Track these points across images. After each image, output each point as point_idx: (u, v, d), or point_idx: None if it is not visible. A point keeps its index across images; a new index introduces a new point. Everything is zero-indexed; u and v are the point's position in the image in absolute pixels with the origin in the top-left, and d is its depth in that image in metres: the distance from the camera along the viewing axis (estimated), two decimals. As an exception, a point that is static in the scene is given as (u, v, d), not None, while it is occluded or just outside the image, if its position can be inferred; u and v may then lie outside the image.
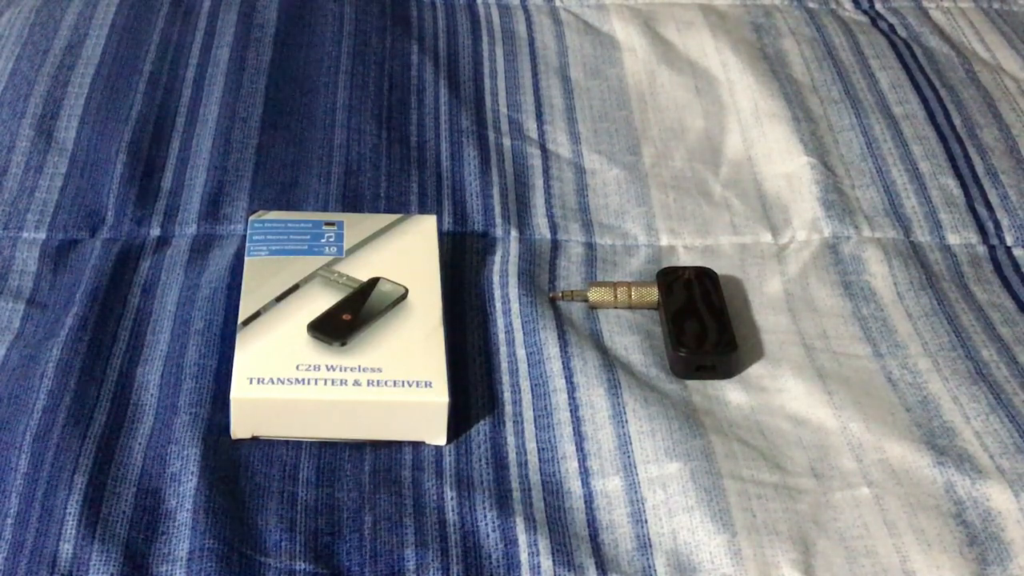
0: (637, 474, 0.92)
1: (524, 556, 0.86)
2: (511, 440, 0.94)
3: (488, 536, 0.87)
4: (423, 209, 1.14)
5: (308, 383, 0.92)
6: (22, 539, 0.85)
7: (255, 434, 0.93)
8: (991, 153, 1.23)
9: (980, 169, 1.21)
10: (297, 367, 0.93)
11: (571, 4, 1.42)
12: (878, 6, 1.44)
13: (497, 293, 1.06)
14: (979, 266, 1.11)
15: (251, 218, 1.07)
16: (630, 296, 1.05)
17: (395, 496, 0.90)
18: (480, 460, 0.93)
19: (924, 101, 1.29)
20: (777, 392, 0.99)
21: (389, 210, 1.14)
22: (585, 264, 1.10)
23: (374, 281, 1.01)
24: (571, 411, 0.96)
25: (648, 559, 0.86)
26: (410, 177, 1.18)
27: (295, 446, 0.93)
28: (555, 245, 1.12)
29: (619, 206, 1.16)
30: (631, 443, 0.93)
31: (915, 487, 0.91)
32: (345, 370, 0.93)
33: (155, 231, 1.11)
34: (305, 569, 0.85)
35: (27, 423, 0.92)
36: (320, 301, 0.99)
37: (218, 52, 1.31)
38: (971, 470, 0.92)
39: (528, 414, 0.96)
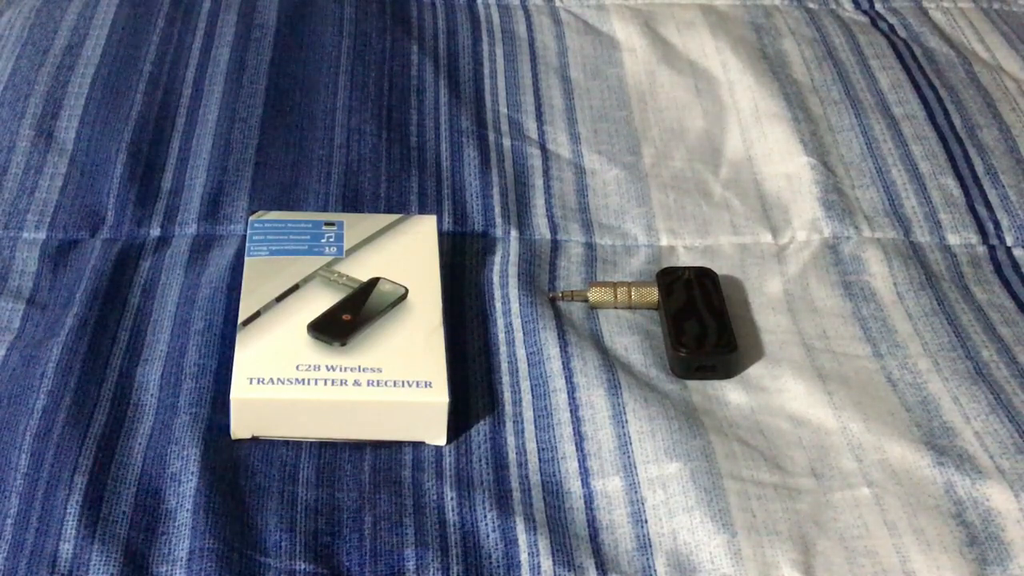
0: (637, 474, 0.92)
1: (524, 556, 0.86)
2: (511, 440, 0.94)
3: (488, 536, 0.87)
4: (423, 209, 1.14)
5: (308, 383, 0.92)
6: (22, 539, 0.85)
7: (255, 434, 0.93)
8: (991, 153, 1.23)
9: (980, 169, 1.21)
10: (297, 367, 0.93)
11: (571, 4, 1.42)
12: (878, 6, 1.44)
13: (497, 293, 1.06)
14: (979, 266, 1.11)
15: (251, 218, 1.07)
16: (630, 296, 1.05)
17: (395, 496, 0.90)
18: (480, 460, 0.93)
19: (924, 101, 1.29)
20: (777, 392, 0.99)
21: (389, 210, 1.14)
22: (585, 264, 1.10)
23: (374, 281, 1.01)
24: (571, 411, 0.96)
25: (648, 559, 0.86)
26: (410, 177, 1.18)
27: (295, 446, 0.93)
28: (555, 245, 1.12)
29: (619, 206, 1.16)
30: (631, 443, 0.93)
31: (915, 487, 0.91)
32: (345, 370, 0.93)
33: (155, 231, 1.11)
34: (305, 569, 0.85)
35: (27, 423, 0.92)
36: (320, 301, 0.99)
37: (218, 52, 1.31)
38: (971, 470, 0.92)
39: (528, 414, 0.96)
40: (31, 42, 1.31)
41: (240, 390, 0.92)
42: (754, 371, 1.01)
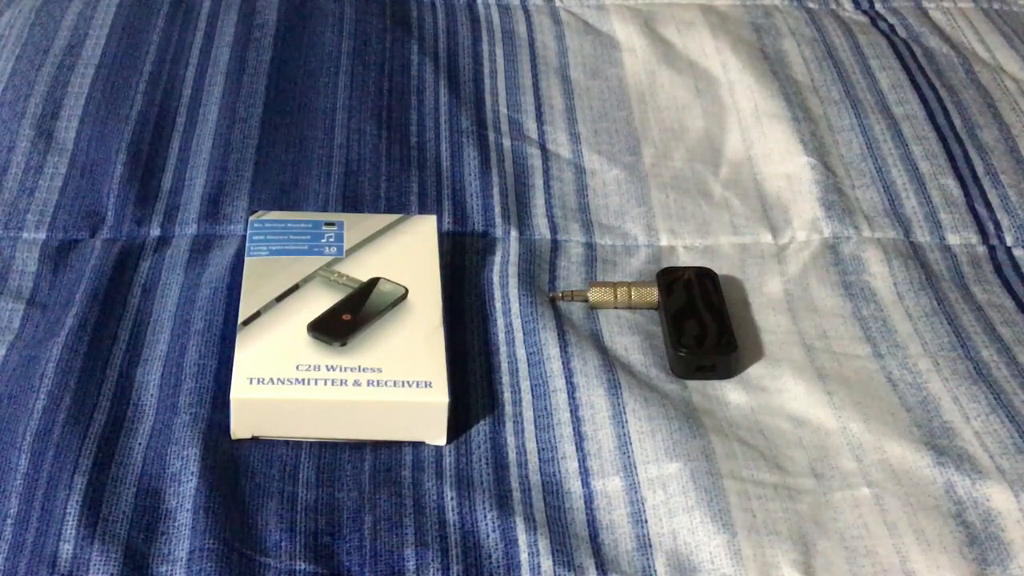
0: (637, 474, 0.92)
1: (524, 556, 0.86)
2: (511, 440, 0.94)
3: (488, 536, 0.87)
4: (423, 209, 1.14)
5: (308, 383, 0.92)
6: (22, 539, 0.85)
7: (255, 434, 0.93)
8: (991, 153, 1.23)
9: (980, 169, 1.21)
10: (297, 367, 0.93)
11: (571, 4, 1.42)
12: (878, 6, 1.44)
13: (497, 293, 1.06)
14: (979, 266, 1.11)
15: (251, 218, 1.07)
16: (630, 296, 1.05)
17: (395, 496, 0.90)
18: (480, 460, 0.93)
19: (924, 101, 1.29)
20: (777, 392, 0.99)
21: (389, 210, 1.14)
22: (585, 264, 1.10)
23: (374, 281, 1.01)
24: (571, 411, 0.96)
25: (648, 559, 0.86)
26: (410, 177, 1.18)
27: (295, 446, 0.93)
28: (555, 245, 1.12)
29: (619, 206, 1.16)
30: (631, 443, 0.93)
31: (915, 487, 0.91)
32: (345, 370, 0.93)
33: (155, 231, 1.11)
34: (305, 569, 0.85)
35: (27, 423, 0.92)
36: (320, 301, 0.99)
37: (218, 52, 1.31)
38: (971, 470, 0.92)
39: (528, 414, 0.96)
40: (31, 42, 1.31)
41: (240, 390, 0.92)
42: (754, 371, 1.01)
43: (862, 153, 1.22)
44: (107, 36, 1.32)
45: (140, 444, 0.92)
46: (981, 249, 1.13)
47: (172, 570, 0.84)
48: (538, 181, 1.18)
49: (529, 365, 1.00)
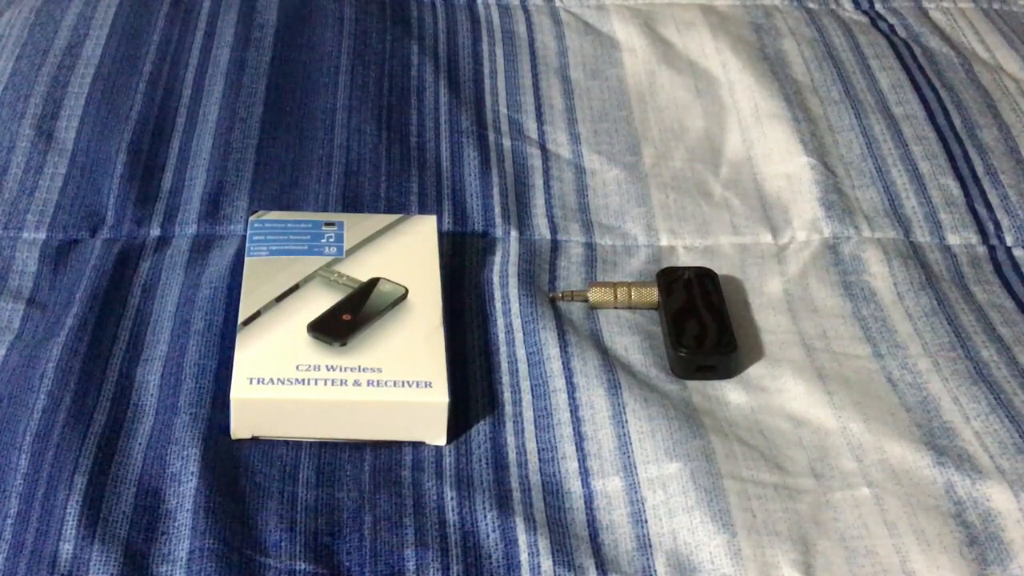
0: (637, 474, 0.92)
1: (524, 556, 0.86)
2: (511, 440, 0.94)
3: (488, 536, 0.87)
4: (423, 209, 1.14)
5: (308, 383, 0.92)
6: (22, 539, 0.85)
7: (255, 434, 0.93)
8: (991, 153, 1.23)
9: (980, 169, 1.21)
10: (297, 367, 0.93)
11: (571, 4, 1.42)
12: (878, 6, 1.44)
13: (497, 293, 1.06)
14: (979, 266, 1.11)
15: (251, 218, 1.07)
16: (630, 296, 1.05)
17: (395, 496, 0.90)
18: (480, 460, 0.93)
19: (924, 101, 1.29)
20: (777, 392, 0.99)
21: (389, 210, 1.14)
22: (585, 264, 1.10)
23: (374, 281, 1.01)
24: (571, 411, 0.96)
25: (648, 559, 0.86)
26: (410, 177, 1.18)
27: (295, 446, 0.93)
28: (555, 245, 1.12)
29: (619, 206, 1.16)
30: (631, 443, 0.93)
31: (915, 487, 0.91)
32: (345, 370, 0.93)
33: (155, 231, 1.11)
34: (305, 569, 0.85)
35: (27, 423, 0.92)
36: (320, 301, 0.99)
37: (218, 52, 1.31)
38: (971, 470, 0.92)
39: (528, 414, 0.96)
40: (31, 42, 1.31)
41: (240, 390, 0.92)
42: (754, 371, 1.01)
43: (862, 153, 1.22)
44: (107, 36, 1.32)
45: (140, 444, 0.92)
46: (981, 249, 1.13)
47: (172, 570, 0.84)
48: (538, 181, 1.18)
49: (529, 365, 1.00)
